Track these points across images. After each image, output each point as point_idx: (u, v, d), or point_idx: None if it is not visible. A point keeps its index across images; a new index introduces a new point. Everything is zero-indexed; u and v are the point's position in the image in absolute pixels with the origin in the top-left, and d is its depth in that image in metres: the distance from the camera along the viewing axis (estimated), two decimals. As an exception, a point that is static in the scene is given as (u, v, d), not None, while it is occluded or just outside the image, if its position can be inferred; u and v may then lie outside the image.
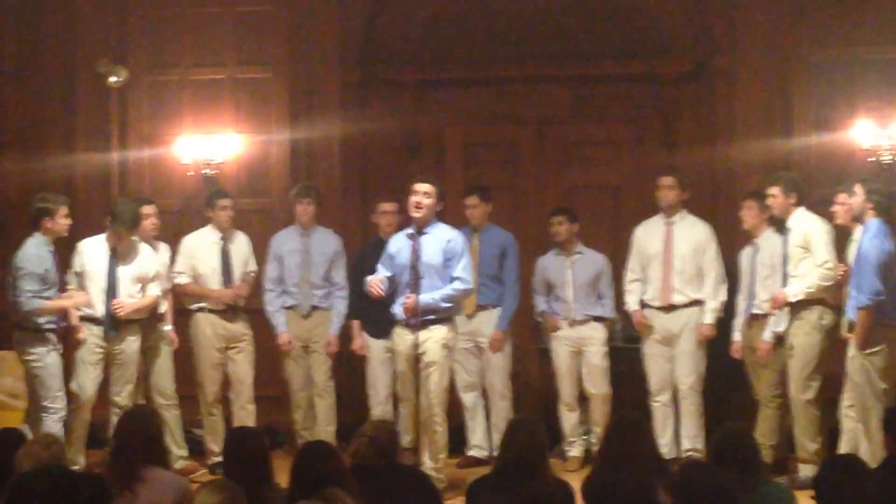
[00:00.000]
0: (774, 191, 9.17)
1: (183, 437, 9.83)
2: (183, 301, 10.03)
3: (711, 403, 9.83)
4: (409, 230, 8.77)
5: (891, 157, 10.18)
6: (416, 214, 8.69)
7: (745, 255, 9.56)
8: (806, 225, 9.02)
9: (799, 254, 9.01)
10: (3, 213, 11.17)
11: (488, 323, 9.92)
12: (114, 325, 9.19)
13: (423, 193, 8.68)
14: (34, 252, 8.80)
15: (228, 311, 9.89)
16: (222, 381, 9.93)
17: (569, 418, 9.97)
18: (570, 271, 9.94)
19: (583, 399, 10.02)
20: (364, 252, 9.86)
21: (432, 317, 8.62)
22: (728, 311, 9.68)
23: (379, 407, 9.93)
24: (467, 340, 9.90)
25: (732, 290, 9.63)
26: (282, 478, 5.83)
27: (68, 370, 9.20)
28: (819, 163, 10.50)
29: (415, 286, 8.50)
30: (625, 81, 11.31)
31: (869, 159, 10.26)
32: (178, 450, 9.61)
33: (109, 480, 5.77)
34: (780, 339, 9.17)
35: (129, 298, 9.25)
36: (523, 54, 11.29)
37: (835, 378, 8.80)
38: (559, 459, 9.81)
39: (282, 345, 10.02)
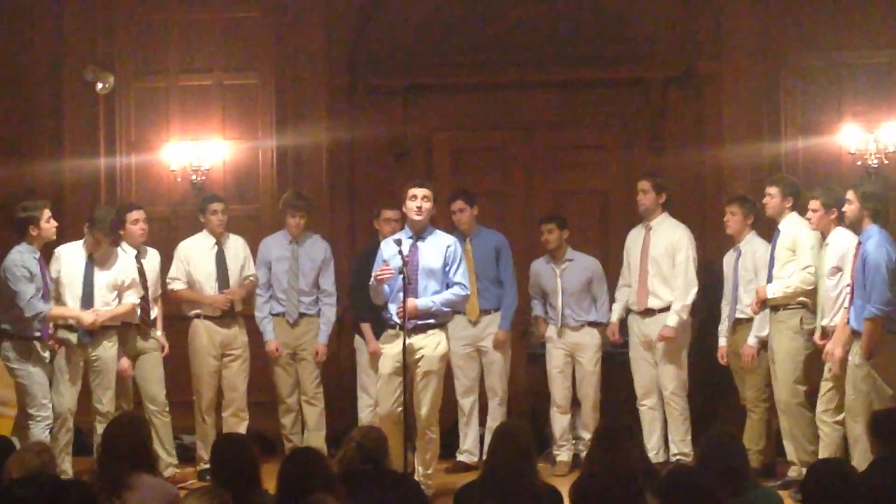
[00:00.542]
0: (773, 190, 9.19)
1: (173, 444, 9.80)
2: (181, 307, 10.02)
3: (699, 408, 9.84)
4: (405, 234, 8.70)
5: (877, 161, 10.20)
6: (417, 218, 8.65)
7: (729, 259, 9.58)
8: (796, 229, 9.03)
9: (786, 256, 9.03)
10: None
11: (491, 327, 9.95)
12: (88, 331, 9.15)
13: (422, 198, 8.65)
14: (17, 258, 8.75)
15: (225, 318, 9.88)
16: (217, 388, 9.92)
17: (560, 421, 9.97)
18: (560, 279, 9.95)
19: (573, 404, 10.02)
20: (368, 257, 9.76)
21: (431, 321, 8.61)
22: (714, 316, 9.69)
23: (367, 410, 9.92)
24: (468, 346, 9.92)
25: (718, 296, 9.65)
26: (270, 484, 5.82)
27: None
28: (806, 167, 10.51)
29: (409, 291, 8.46)
30: (613, 86, 11.31)
31: (856, 163, 10.29)
32: (167, 457, 9.58)
33: (97, 487, 5.77)
34: (764, 344, 9.19)
35: (105, 306, 9.21)
36: (511, 60, 11.29)
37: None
38: (548, 464, 9.83)
39: (269, 352, 10.01)
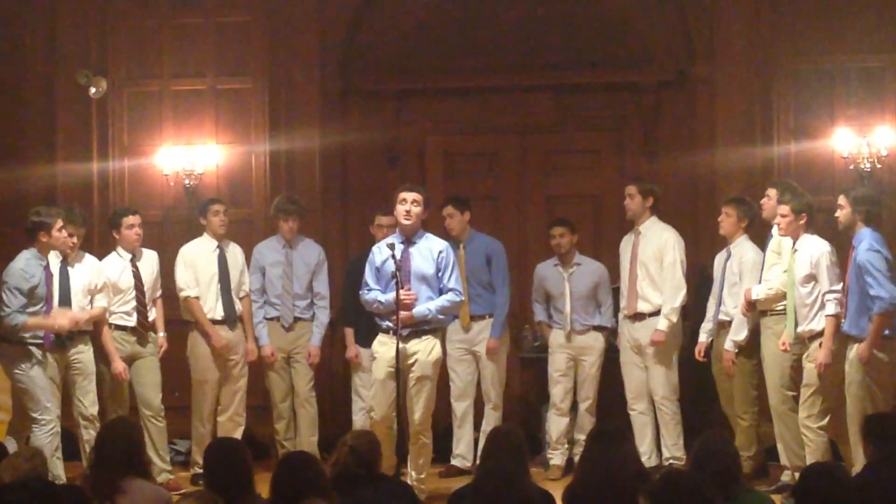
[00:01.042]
0: (772, 192, 9.22)
1: (167, 450, 9.76)
2: (180, 312, 10.01)
3: (692, 412, 9.84)
4: (397, 239, 8.68)
5: (870, 165, 10.22)
6: (406, 223, 8.63)
7: (719, 260, 9.59)
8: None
9: (772, 259, 9.05)
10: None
11: (485, 332, 9.95)
12: (66, 337, 9.11)
13: (411, 202, 8.63)
14: (21, 266, 8.71)
15: (228, 320, 9.88)
16: (217, 395, 9.91)
17: (558, 423, 9.97)
18: (568, 283, 9.96)
19: (571, 407, 10.03)
20: (359, 262, 9.76)
21: (424, 327, 8.60)
22: (699, 314, 9.70)
23: (360, 414, 9.92)
24: (462, 349, 9.93)
25: (706, 295, 9.66)
26: (263, 489, 5.82)
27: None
28: (799, 170, 10.51)
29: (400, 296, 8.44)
30: (605, 90, 11.33)
31: (848, 167, 10.30)
32: (161, 463, 9.55)
33: (90, 492, 5.77)
34: (741, 348, 9.18)
35: (81, 310, 9.20)
36: (504, 64, 11.29)
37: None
38: (541, 468, 9.83)
39: (264, 357, 10.00)
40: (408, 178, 10.70)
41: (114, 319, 9.55)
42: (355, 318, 9.76)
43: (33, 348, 8.79)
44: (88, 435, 8.99)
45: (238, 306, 9.96)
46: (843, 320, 8.39)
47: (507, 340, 10.10)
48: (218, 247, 9.96)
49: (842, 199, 8.47)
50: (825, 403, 8.57)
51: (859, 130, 10.33)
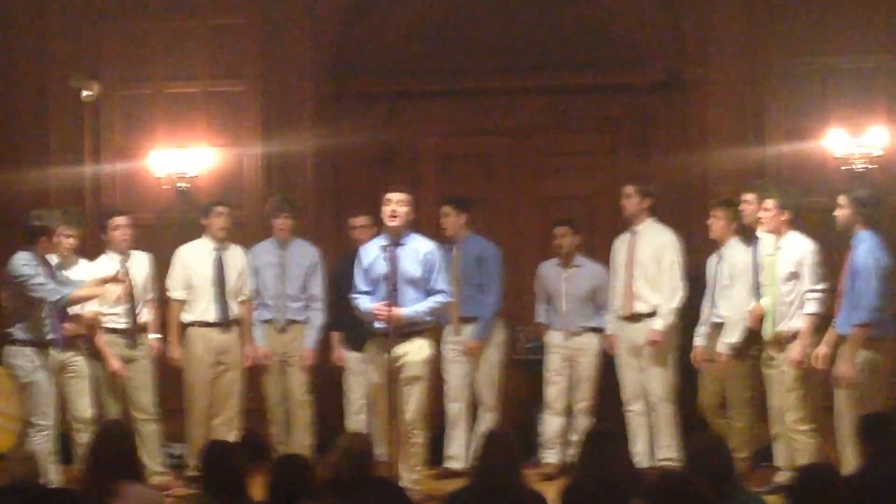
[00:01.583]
0: (749, 197, 9.22)
1: (159, 453, 9.73)
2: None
3: (686, 413, 9.84)
4: (383, 241, 8.71)
5: (863, 166, 10.22)
6: (392, 223, 8.64)
7: (711, 263, 9.59)
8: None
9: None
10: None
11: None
12: (64, 340, 9.07)
13: (396, 202, 8.65)
14: (18, 263, 8.63)
15: (221, 323, 9.86)
16: (211, 396, 9.89)
17: (552, 423, 9.97)
18: (566, 283, 9.97)
19: (567, 408, 10.03)
20: (343, 266, 9.79)
21: (414, 328, 8.61)
22: (693, 317, 9.70)
23: (353, 418, 9.92)
24: (456, 350, 9.94)
25: (701, 299, 9.67)
26: (258, 491, 5.81)
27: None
28: (791, 171, 10.52)
29: (392, 298, 8.48)
30: (598, 92, 11.33)
31: (841, 168, 10.30)
32: (153, 466, 9.54)
33: (83, 496, 5.76)
34: (736, 351, 9.18)
35: (74, 314, 9.19)
36: (497, 66, 11.30)
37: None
38: (535, 468, 9.82)
39: (259, 359, 9.99)
40: (401, 181, 10.69)
41: (105, 322, 9.53)
42: (342, 322, 9.76)
43: (40, 348, 8.72)
44: (83, 438, 8.96)
45: (235, 310, 9.93)
46: (834, 319, 8.40)
47: (500, 342, 10.09)
48: (216, 249, 9.93)
49: (842, 200, 8.43)
50: (813, 404, 8.56)
51: (852, 131, 10.31)
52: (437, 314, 8.92)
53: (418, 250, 8.68)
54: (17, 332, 8.71)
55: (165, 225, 10.93)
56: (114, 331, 9.57)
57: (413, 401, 8.58)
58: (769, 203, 8.71)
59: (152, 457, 9.54)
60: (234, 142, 11.30)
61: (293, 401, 10.04)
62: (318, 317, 10.05)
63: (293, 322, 10.04)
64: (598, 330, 9.98)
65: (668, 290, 9.63)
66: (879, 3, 10.76)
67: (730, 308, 9.24)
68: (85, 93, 11.25)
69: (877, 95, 10.63)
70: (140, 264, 9.82)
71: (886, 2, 10.74)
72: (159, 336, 9.87)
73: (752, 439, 9.38)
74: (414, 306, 8.56)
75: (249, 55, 11.34)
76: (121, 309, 9.59)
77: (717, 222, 9.50)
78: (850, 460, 7.98)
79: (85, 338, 9.36)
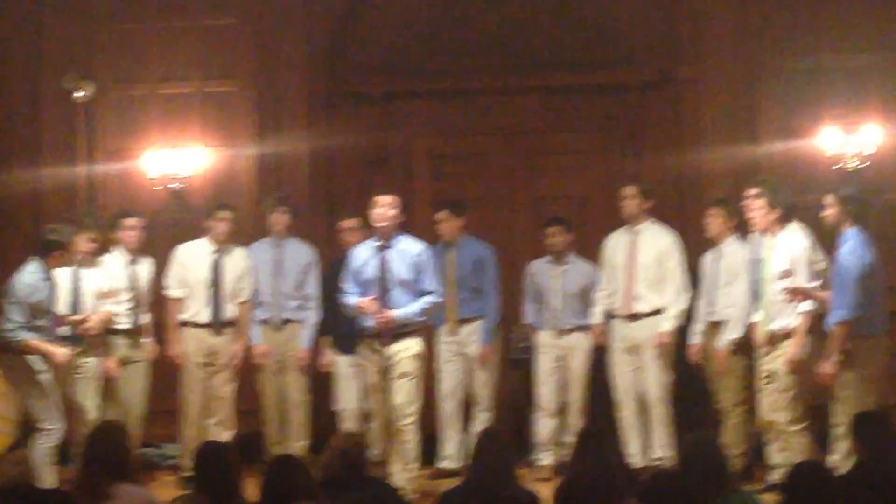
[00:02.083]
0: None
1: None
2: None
3: (680, 412, 9.84)
4: (373, 243, 8.75)
5: (856, 164, 10.23)
6: (381, 225, 8.69)
7: (706, 260, 9.60)
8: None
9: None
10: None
11: (473, 334, 9.95)
12: (79, 340, 9.12)
13: (385, 205, 8.70)
14: (28, 281, 8.59)
15: (213, 325, 9.86)
16: (204, 396, 9.89)
17: (546, 425, 9.96)
18: (560, 280, 9.96)
19: (560, 408, 10.02)
20: (332, 269, 9.78)
21: (406, 329, 8.64)
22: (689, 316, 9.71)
23: (350, 418, 9.92)
24: (452, 350, 9.94)
25: (695, 297, 9.67)
26: (253, 492, 5.81)
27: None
28: (785, 170, 10.52)
29: (384, 300, 8.50)
30: (592, 91, 11.34)
31: (834, 166, 10.31)
32: None
33: (77, 497, 5.76)
34: (740, 346, 9.19)
35: (90, 314, 9.20)
36: (490, 65, 11.30)
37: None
38: (530, 469, 9.82)
39: (256, 357, 9.99)
40: (395, 181, 10.74)
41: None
42: (333, 325, 9.76)
43: (33, 357, 8.71)
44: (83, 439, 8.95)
45: (231, 312, 9.92)
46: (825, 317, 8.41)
47: (498, 344, 10.09)
48: (216, 251, 9.92)
49: (829, 199, 8.45)
50: (805, 404, 8.57)
51: (845, 129, 10.34)
52: (428, 314, 8.93)
53: (408, 252, 8.73)
54: (21, 337, 8.72)
55: (159, 226, 10.92)
56: (115, 331, 9.55)
57: (403, 393, 8.60)
58: (760, 202, 8.71)
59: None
60: (227, 142, 11.30)
61: (289, 402, 10.02)
62: (313, 316, 10.04)
63: (289, 321, 10.02)
64: (587, 329, 9.97)
65: (674, 291, 9.63)
66: (871, 2, 10.78)
67: (731, 305, 9.25)
68: (78, 93, 11.24)
69: (870, 94, 10.66)
70: (145, 268, 9.84)
71: (879, 1, 10.76)
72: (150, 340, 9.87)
73: (747, 436, 9.39)
74: (405, 308, 8.61)
75: (243, 56, 11.35)
76: (123, 309, 9.59)
77: (713, 221, 9.52)
78: (841, 458, 8.01)
79: (96, 338, 9.34)
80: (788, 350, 8.50)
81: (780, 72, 10.84)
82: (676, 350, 9.71)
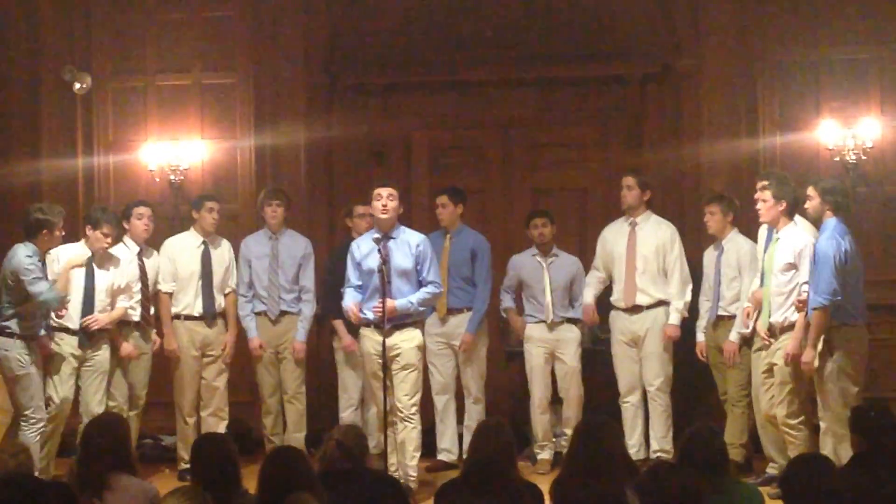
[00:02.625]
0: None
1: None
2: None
3: (680, 405, 9.85)
4: (374, 234, 8.77)
5: (855, 157, 10.24)
6: (384, 216, 8.71)
7: (709, 256, 9.60)
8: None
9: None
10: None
11: (461, 326, 9.92)
12: (87, 334, 9.11)
13: (387, 196, 8.72)
14: (24, 259, 8.63)
15: (206, 317, 9.86)
16: (198, 389, 9.89)
17: (541, 421, 9.95)
18: (548, 273, 9.95)
19: (554, 402, 10.02)
20: (341, 254, 9.71)
21: (406, 320, 8.67)
22: (692, 312, 9.70)
23: (349, 410, 9.92)
24: (441, 343, 9.92)
25: (696, 292, 9.66)
26: (251, 484, 5.81)
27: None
28: (784, 163, 10.51)
29: (386, 290, 8.50)
30: (590, 84, 11.33)
31: (834, 159, 10.31)
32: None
33: (76, 488, 5.75)
34: (745, 340, 9.19)
35: (105, 308, 9.20)
36: (489, 58, 11.28)
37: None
38: (529, 462, 9.83)
39: (252, 349, 9.99)
40: (393, 173, 10.72)
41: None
42: (341, 310, 9.74)
43: (30, 342, 8.71)
44: None
45: (220, 303, 9.93)
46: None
47: (486, 335, 10.07)
48: (203, 243, 9.92)
49: (811, 191, 8.49)
50: (802, 398, 8.57)
51: (844, 122, 10.34)
52: (429, 305, 8.99)
53: (409, 243, 8.75)
54: (11, 325, 8.71)
55: (158, 217, 10.89)
56: (126, 323, 9.54)
57: (409, 386, 8.65)
58: (765, 194, 8.71)
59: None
60: (226, 134, 11.30)
61: (287, 394, 10.02)
62: (308, 308, 10.04)
63: (285, 313, 10.01)
64: (575, 321, 9.95)
65: (679, 283, 9.65)
66: (871, -5, 10.77)
67: (737, 300, 9.27)
68: (77, 85, 11.24)
69: (869, 87, 10.64)
70: (153, 259, 9.85)
71: (879, -6, 10.75)
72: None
73: (747, 429, 9.39)
74: (407, 298, 8.62)
75: (241, 47, 11.33)
76: (134, 301, 9.58)
77: (712, 217, 9.52)
78: (832, 449, 8.02)
79: (108, 333, 9.34)
80: (787, 345, 8.49)
81: (779, 64, 10.82)
82: (679, 343, 9.71)
